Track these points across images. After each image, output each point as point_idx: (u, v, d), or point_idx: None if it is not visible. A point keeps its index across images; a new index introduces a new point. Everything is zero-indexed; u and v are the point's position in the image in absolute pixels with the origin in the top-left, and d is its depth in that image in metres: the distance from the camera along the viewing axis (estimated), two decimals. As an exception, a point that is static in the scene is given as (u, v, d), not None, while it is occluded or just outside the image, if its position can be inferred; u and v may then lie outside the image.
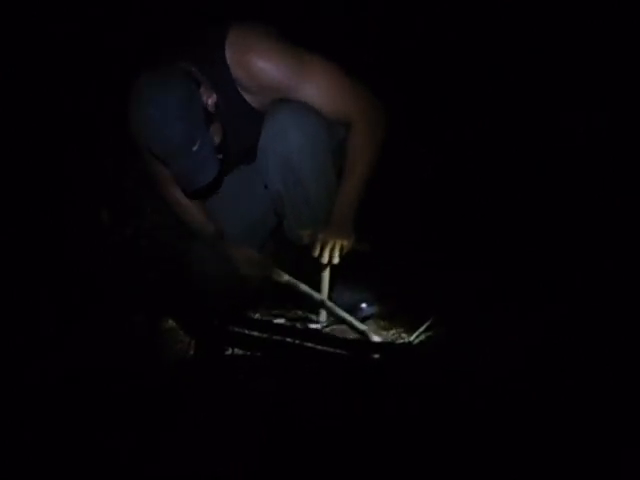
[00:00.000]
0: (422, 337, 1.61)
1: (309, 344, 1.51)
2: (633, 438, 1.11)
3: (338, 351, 1.49)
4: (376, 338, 1.62)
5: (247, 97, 1.62)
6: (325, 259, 1.58)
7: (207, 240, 1.82)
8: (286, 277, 1.69)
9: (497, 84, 2.30)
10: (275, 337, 1.56)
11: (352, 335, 1.64)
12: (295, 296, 1.71)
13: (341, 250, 1.59)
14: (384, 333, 1.68)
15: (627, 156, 2.08)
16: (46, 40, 2.29)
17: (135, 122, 1.49)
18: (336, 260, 1.59)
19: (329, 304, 1.66)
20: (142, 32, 2.18)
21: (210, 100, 1.53)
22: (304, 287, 1.68)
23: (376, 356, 1.48)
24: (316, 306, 1.71)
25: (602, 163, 2.11)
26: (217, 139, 1.57)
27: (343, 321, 1.65)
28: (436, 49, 2.34)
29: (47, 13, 2.30)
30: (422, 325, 1.63)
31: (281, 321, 1.77)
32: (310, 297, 1.67)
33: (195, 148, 1.47)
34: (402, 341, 1.63)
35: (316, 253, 1.58)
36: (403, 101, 2.00)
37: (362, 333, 1.62)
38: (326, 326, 1.72)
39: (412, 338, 1.62)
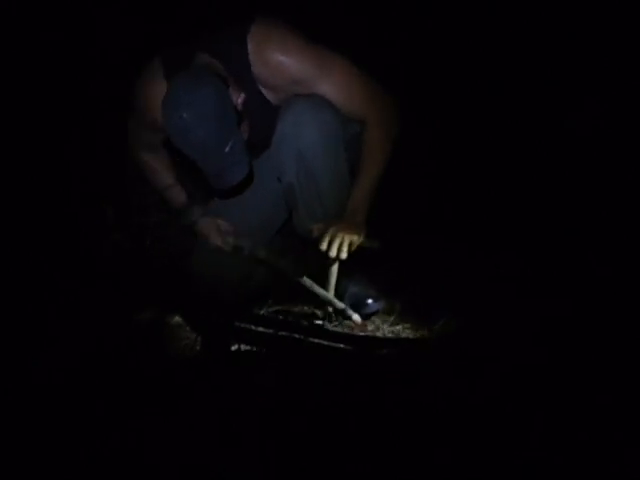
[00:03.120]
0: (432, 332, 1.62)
1: (315, 340, 1.51)
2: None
3: (344, 347, 1.49)
4: (355, 317, 1.64)
5: (265, 92, 1.62)
6: (333, 253, 1.56)
7: (178, 209, 1.82)
8: (259, 251, 1.71)
9: (503, 78, 2.32)
10: (281, 333, 1.56)
11: (356, 330, 1.65)
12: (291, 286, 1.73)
13: (350, 245, 1.57)
14: (390, 329, 1.67)
15: (629, 153, 2.09)
16: (50, 38, 2.29)
17: (167, 124, 1.47)
18: (344, 255, 1.57)
19: (302, 280, 1.68)
20: (157, 27, 2.17)
21: (240, 100, 1.54)
22: (279, 262, 1.70)
23: (384, 351, 1.48)
24: (297, 285, 1.71)
25: (605, 159, 2.11)
26: (245, 136, 1.59)
27: (319, 297, 1.68)
28: (444, 45, 2.35)
29: (52, 9, 2.30)
30: (430, 321, 1.64)
31: (287, 317, 1.76)
32: (287, 275, 1.70)
33: (227, 149, 1.47)
34: (411, 336, 1.64)
35: (324, 247, 1.56)
36: (415, 97, 2.01)
37: (342, 312, 1.64)
38: (331, 321, 1.72)
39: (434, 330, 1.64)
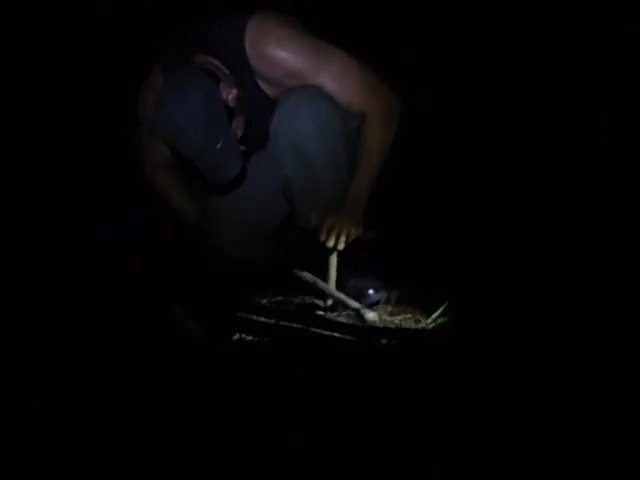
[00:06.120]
0: (434, 322, 1.61)
1: (316, 330, 1.51)
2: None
3: (346, 337, 1.49)
4: (370, 315, 1.61)
5: (264, 87, 1.64)
6: (331, 243, 1.59)
7: (191, 224, 1.85)
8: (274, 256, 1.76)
9: (503, 76, 2.33)
10: (282, 323, 1.56)
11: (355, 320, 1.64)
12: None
13: (347, 236, 1.60)
14: (392, 319, 1.67)
15: (630, 147, 2.10)
16: (50, 38, 2.30)
17: (159, 126, 1.52)
18: (341, 246, 1.60)
19: (317, 282, 1.69)
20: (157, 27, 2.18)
21: (230, 95, 1.56)
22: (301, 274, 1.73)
23: (384, 341, 1.47)
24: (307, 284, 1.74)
25: (605, 159, 2.12)
26: (240, 132, 1.61)
27: (331, 295, 1.69)
28: (445, 44, 2.37)
29: (53, 8, 2.31)
30: (433, 310, 1.64)
31: (288, 307, 1.76)
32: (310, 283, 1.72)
33: (219, 146, 1.51)
34: (411, 327, 1.63)
35: (322, 237, 1.59)
36: (415, 91, 2.02)
37: (356, 311, 1.62)
38: (329, 308, 1.72)
39: (429, 321, 1.63)
